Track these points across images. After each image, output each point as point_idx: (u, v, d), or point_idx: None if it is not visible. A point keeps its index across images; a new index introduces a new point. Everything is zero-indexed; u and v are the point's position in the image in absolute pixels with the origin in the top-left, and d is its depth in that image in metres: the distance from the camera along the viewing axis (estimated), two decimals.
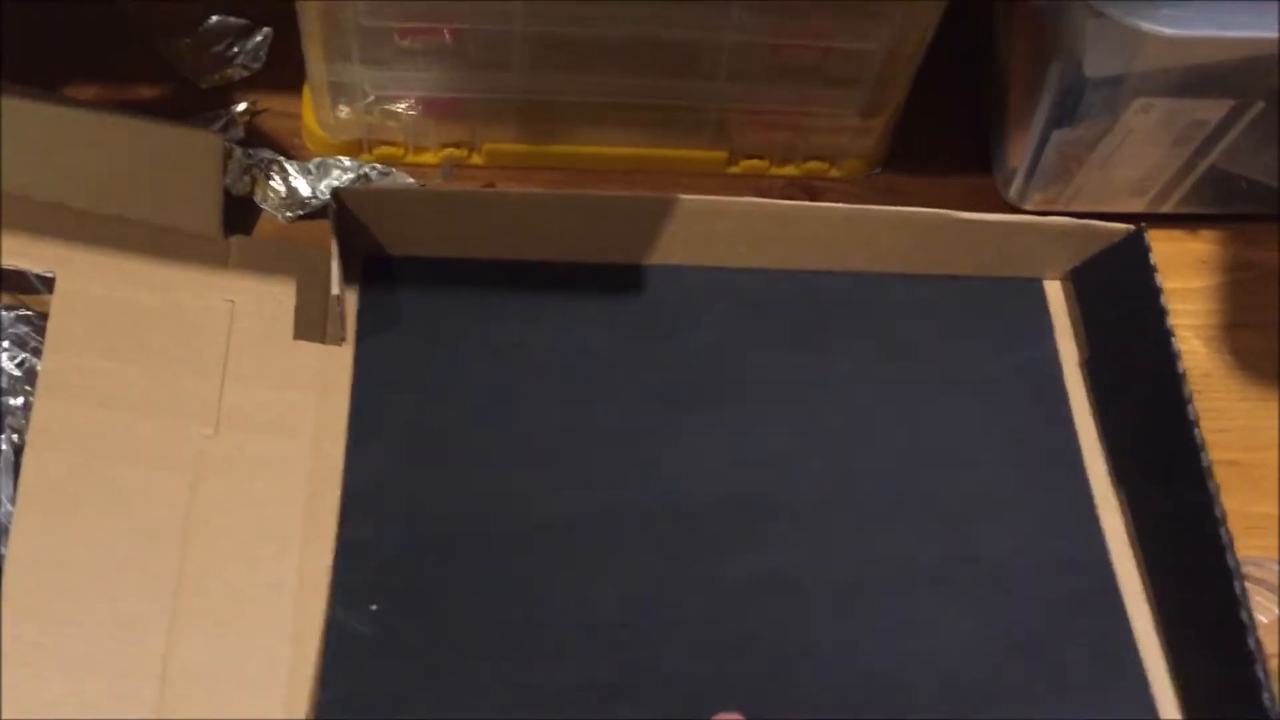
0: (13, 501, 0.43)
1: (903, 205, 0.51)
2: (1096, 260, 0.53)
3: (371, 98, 0.52)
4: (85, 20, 0.57)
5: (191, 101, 0.55)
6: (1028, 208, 0.56)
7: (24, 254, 0.46)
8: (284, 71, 0.56)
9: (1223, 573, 0.45)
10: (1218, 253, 0.58)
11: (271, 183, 0.53)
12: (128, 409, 0.45)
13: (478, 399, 0.49)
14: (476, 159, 0.56)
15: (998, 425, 0.51)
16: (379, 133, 0.54)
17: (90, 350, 0.45)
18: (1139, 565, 0.49)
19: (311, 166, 0.53)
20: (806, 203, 0.51)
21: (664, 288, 0.52)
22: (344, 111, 0.53)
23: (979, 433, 0.51)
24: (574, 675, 0.44)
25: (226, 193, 0.51)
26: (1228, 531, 0.45)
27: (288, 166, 0.53)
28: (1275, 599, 0.48)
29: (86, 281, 0.46)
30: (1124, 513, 0.50)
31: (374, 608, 0.44)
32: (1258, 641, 0.43)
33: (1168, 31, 0.45)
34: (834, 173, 0.58)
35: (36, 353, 0.46)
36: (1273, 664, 0.44)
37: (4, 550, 0.42)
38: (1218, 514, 0.45)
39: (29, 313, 0.47)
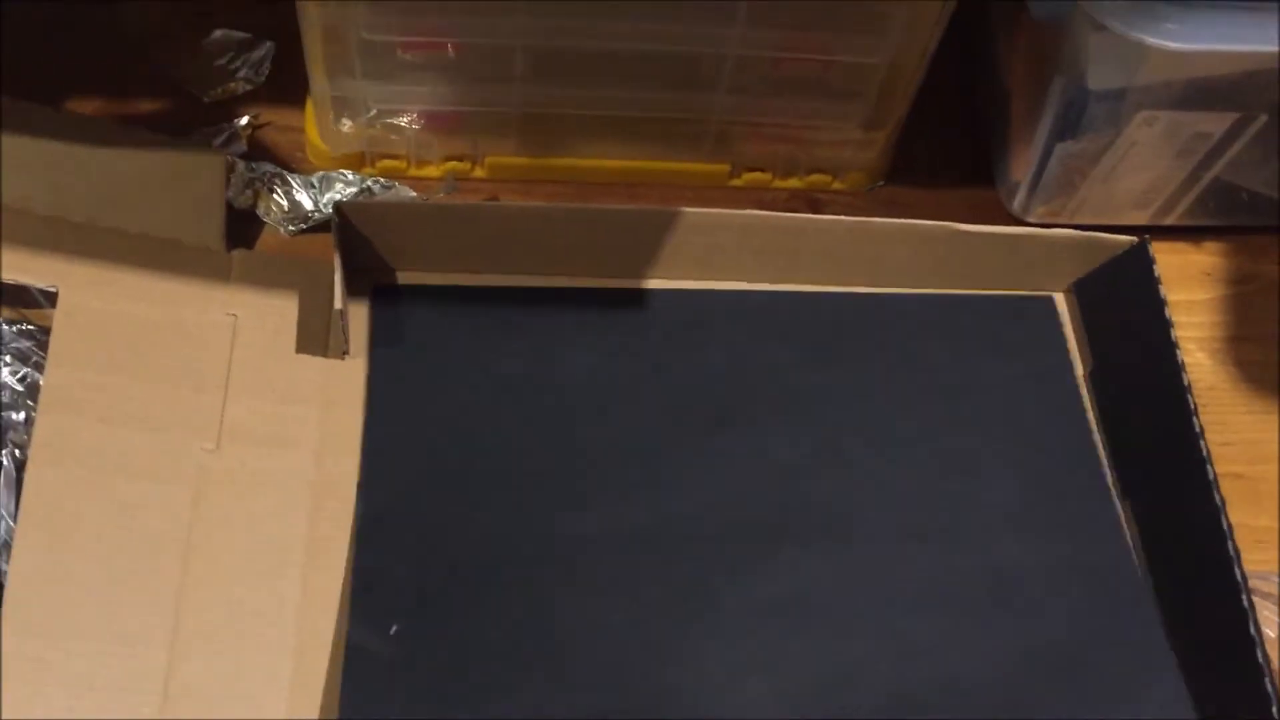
0: (14, 517, 0.42)
1: (905, 218, 0.51)
2: (1100, 272, 0.53)
3: (374, 111, 0.52)
4: (87, 34, 0.57)
5: (194, 115, 0.55)
6: (1031, 220, 0.56)
7: (26, 268, 0.46)
8: (286, 85, 0.56)
9: (1230, 586, 0.44)
10: (1221, 265, 0.57)
11: (274, 196, 0.53)
12: (130, 423, 0.45)
13: (490, 421, 0.49)
14: (479, 172, 0.56)
15: (1009, 439, 0.51)
16: (381, 146, 0.54)
17: (92, 365, 0.45)
18: (1147, 578, 0.49)
19: (314, 180, 0.53)
20: (810, 215, 0.51)
21: (672, 309, 0.52)
22: (346, 125, 0.53)
23: (990, 447, 0.51)
24: (590, 698, 0.44)
25: (229, 206, 0.51)
26: (1235, 545, 0.45)
27: (290, 180, 0.53)
28: (1278, 612, 0.48)
29: (89, 296, 0.46)
30: (1131, 525, 0.50)
31: (393, 630, 0.44)
32: (1266, 656, 0.43)
33: (1171, 45, 0.45)
34: (836, 185, 0.58)
35: (39, 367, 0.46)
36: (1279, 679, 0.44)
37: (5, 566, 0.42)
38: (1225, 527, 0.45)
39: (31, 327, 0.47)
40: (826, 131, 0.54)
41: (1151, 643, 0.47)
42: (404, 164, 0.55)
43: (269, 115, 0.56)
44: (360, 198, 0.53)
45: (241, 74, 0.57)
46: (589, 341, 0.51)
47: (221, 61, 0.57)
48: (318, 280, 0.49)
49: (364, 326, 0.50)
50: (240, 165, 0.53)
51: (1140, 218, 0.56)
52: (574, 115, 0.53)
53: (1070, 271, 0.54)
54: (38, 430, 0.44)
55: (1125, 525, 0.50)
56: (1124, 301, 0.52)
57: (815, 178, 0.57)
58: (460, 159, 0.55)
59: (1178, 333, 0.49)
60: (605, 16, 0.48)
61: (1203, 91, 0.48)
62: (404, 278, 0.52)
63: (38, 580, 0.42)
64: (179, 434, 0.45)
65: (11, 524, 0.43)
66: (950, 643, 0.46)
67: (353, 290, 0.49)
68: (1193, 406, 0.47)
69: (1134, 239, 0.51)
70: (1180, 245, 0.58)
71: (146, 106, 0.56)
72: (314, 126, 0.54)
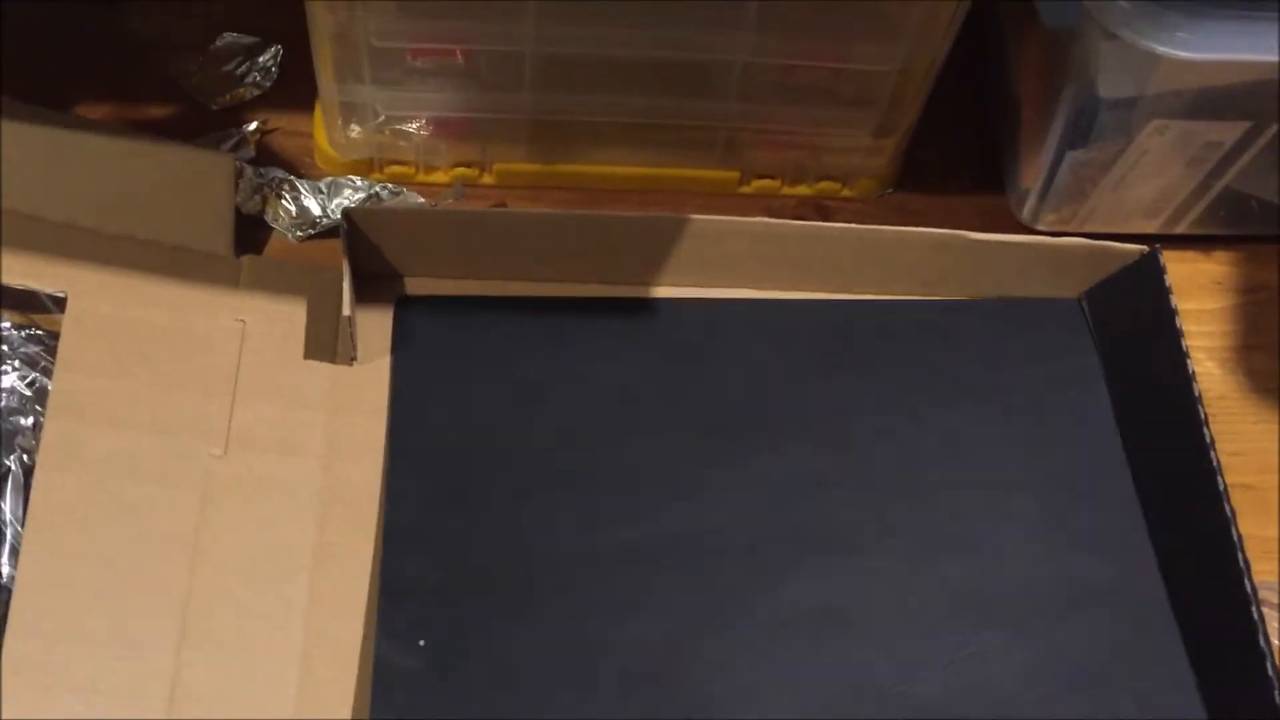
0: (23, 521, 0.43)
1: (914, 225, 0.51)
2: (1111, 281, 0.53)
3: (383, 118, 0.52)
4: (95, 41, 0.57)
5: (202, 120, 0.55)
6: (1040, 228, 0.56)
7: (35, 274, 0.46)
8: (295, 90, 0.56)
9: (1241, 597, 0.44)
10: (1231, 274, 0.57)
11: (283, 202, 0.53)
12: (138, 429, 0.45)
13: (515, 431, 0.49)
14: (487, 179, 0.56)
15: (1029, 448, 0.51)
16: (390, 152, 0.54)
17: (101, 370, 0.45)
18: (1163, 588, 0.49)
19: (322, 186, 0.53)
20: (820, 223, 0.51)
21: (695, 316, 0.52)
22: (355, 131, 0.53)
23: (1016, 456, 0.50)
24: (620, 710, 0.44)
25: (237, 212, 0.51)
26: (1245, 557, 0.45)
27: (299, 186, 0.53)
28: None
29: (97, 301, 0.46)
30: (1147, 535, 0.50)
31: (421, 643, 0.44)
32: (1277, 668, 0.43)
33: (1183, 55, 0.44)
34: (846, 193, 0.58)
35: (47, 372, 0.46)
36: None
37: (14, 570, 0.42)
38: (1235, 539, 0.45)
39: (40, 332, 0.47)
40: (836, 138, 0.54)
41: (1171, 661, 0.47)
42: (412, 170, 0.55)
43: (277, 121, 0.56)
44: (369, 203, 0.53)
45: (250, 79, 0.57)
46: (610, 350, 0.51)
47: (230, 67, 0.57)
48: (326, 286, 0.49)
49: (376, 333, 0.50)
50: (249, 171, 0.53)
51: (1150, 226, 0.56)
52: (583, 121, 0.53)
53: (1081, 280, 0.54)
54: (46, 435, 0.44)
55: (1140, 535, 0.50)
56: (1135, 311, 0.52)
57: (825, 185, 0.57)
58: (469, 165, 0.55)
59: (1187, 342, 0.49)
60: (615, 23, 0.48)
61: (1214, 100, 0.48)
62: (412, 284, 0.51)
63: (45, 584, 0.42)
64: (187, 439, 0.45)
65: (20, 528, 0.43)
66: (974, 655, 0.46)
67: (361, 296, 0.49)
68: (1203, 416, 0.47)
69: (1145, 248, 0.51)
70: (1190, 254, 0.57)
71: (155, 112, 0.56)
72: (322, 132, 0.54)
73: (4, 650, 0.40)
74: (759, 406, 0.50)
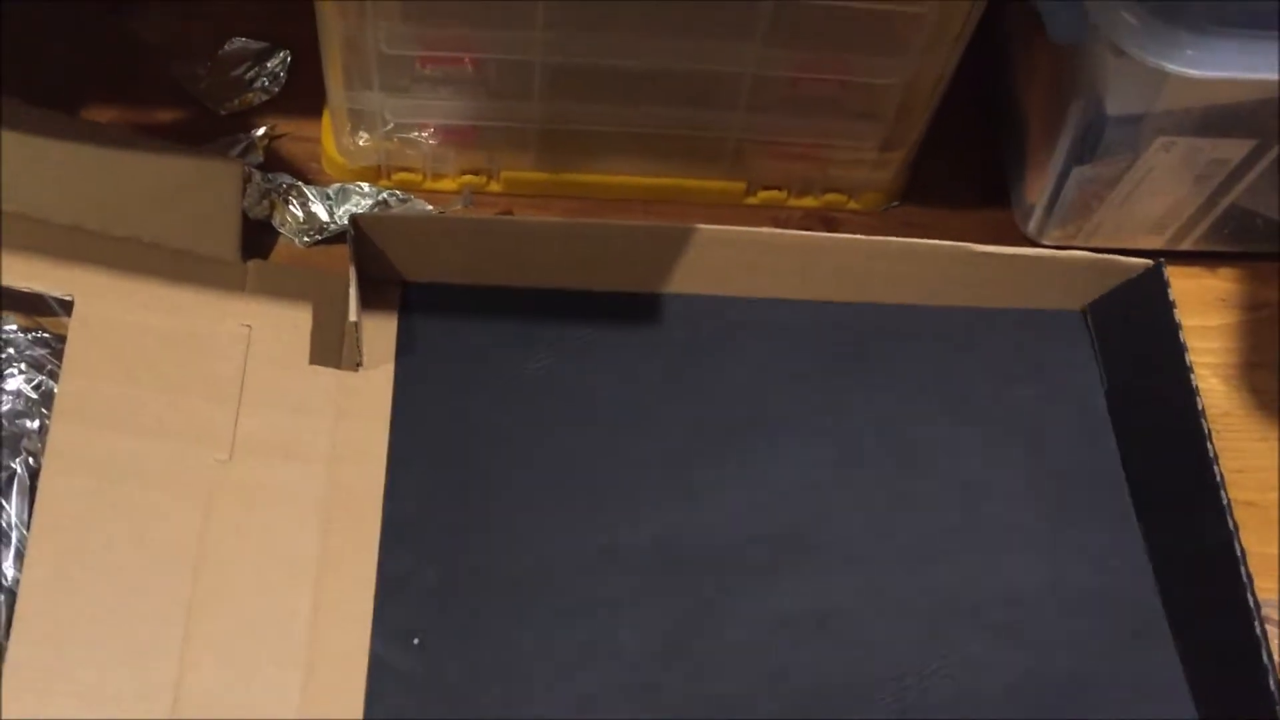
0: (28, 525, 0.42)
1: (920, 238, 0.51)
2: (1115, 295, 0.53)
3: (391, 125, 0.52)
4: (103, 44, 0.57)
5: (210, 125, 0.56)
6: (1046, 243, 0.56)
7: (42, 277, 0.46)
8: (303, 95, 0.56)
9: (1243, 612, 0.44)
10: (1236, 290, 0.57)
11: (290, 208, 0.53)
12: (143, 433, 0.45)
13: (516, 429, 0.49)
14: (495, 186, 0.56)
15: (1028, 458, 0.51)
16: (398, 159, 0.54)
17: (107, 374, 0.45)
18: (1160, 602, 0.49)
19: (330, 192, 0.53)
20: (827, 234, 0.51)
21: (696, 315, 0.52)
22: (363, 138, 0.53)
23: (1014, 465, 0.51)
24: (614, 710, 0.44)
25: (244, 217, 0.51)
26: (1248, 571, 0.45)
27: (307, 192, 0.53)
28: None
29: (104, 305, 0.46)
30: (1144, 549, 0.50)
31: (416, 641, 0.44)
32: (1278, 683, 0.43)
33: (1191, 73, 0.45)
34: (852, 205, 0.58)
35: (53, 375, 0.46)
36: None
37: (19, 573, 0.42)
38: (1238, 552, 0.45)
39: (46, 335, 0.47)
40: (843, 151, 0.55)
41: (1166, 674, 0.47)
42: (420, 177, 0.55)
43: (285, 126, 0.56)
44: (376, 210, 0.53)
45: (258, 84, 0.57)
46: (612, 349, 0.51)
47: (238, 72, 0.57)
48: (332, 292, 0.49)
49: (381, 339, 0.50)
50: (256, 176, 0.53)
51: (1155, 242, 0.56)
52: (591, 131, 0.53)
53: (1085, 294, 0.54)
54: (51, 439, 0.44)
55: (1140, 548, 0.50)
56: (1138, 325, 0.52)
57: (831, 197, 0.57)
58: (476, 173, 0.55)
59: (1191, 358, 0.49)
60: (624, 34, 0.48)
61: (1221, 118, 0.48)
62: (418, 290, 0.51)
63: (50, 587, 0.42)
64: (192, 444, 0.45)
65: (25, 531, 0.43)
66: (964, 663, 0.46)
67: (367, 302, 0.49)
68: (1207, 431, 0.47)
69: (1149, 262, 0.51)
70: (1195, 270, 0.58)
71: (163, 116, 0.56)
72: (330, 138, 0.54)
73: (7, 654, 0.40)
74: (759, 408, 0.51)
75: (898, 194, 0.58)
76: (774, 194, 0.57)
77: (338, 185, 0.53)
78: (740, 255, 0.51)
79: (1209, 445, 0.47)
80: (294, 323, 0.49)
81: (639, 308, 0.52)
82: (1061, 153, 0.51)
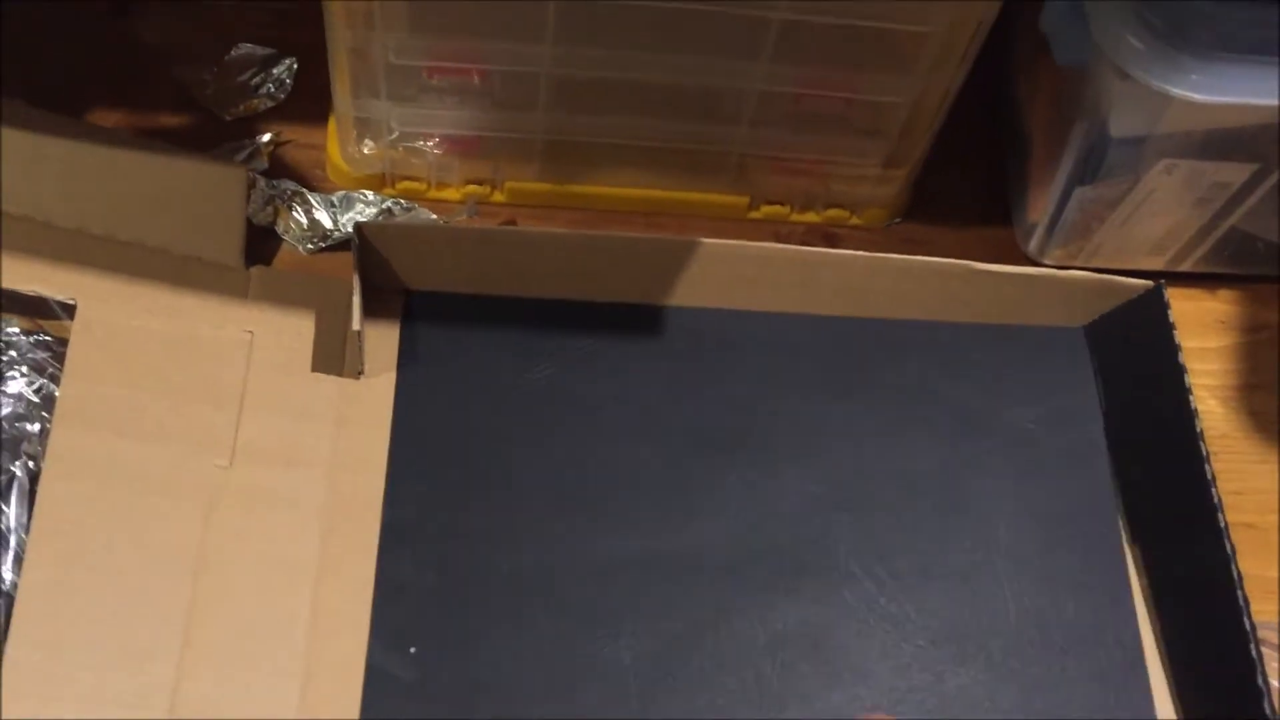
0: (27, 529, 0.42)
1: (922, 256, 0.51)
2: (1114, 315, 0.53)
3: (397, 133, 0.52)
4: (109, 48, 0.57)
5: (215, 131, 0.56)
6: (1047, 263, 0.56)
7: (45, 279, 0.46)
8: (308, 102, 0.56)
9: (1239, 635, 0.44)
10: (1236, 313, 0.58)
11: (294, 214, 0.53)
12: (144, 438, 0.45)
13: (515, 440, 0.49)
14: (499, 196, 0.56)
15: (1021, 480, 0.51)
16: (402, 168, 0.54)
17: (108, 378, 0.45)
18: (1154, 624, 0.49)
19: (334, 199, 0.53)
20: (829, 249, 0.51)
21: (698, 328, 0.52)
22: (368, 146, 0.53)
23: (1010, 486, 0.51)
24: None
25: (248, 223, 0.51)
26: (1244, 594, 0.45)
27: (311, 199, 0.53)
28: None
29: (107, 309, 0.46)
30: (1139, 571, 0.50)
31: (413, 650, 0.44)
32: (1274, 708, 0.43)
33: (1195, 97, 0.45)
34: (854, 221, 0.58)
35: (54, 379, 0.46)
36: None
37: (18, 577, 0.42)
38: (1235, 574, 0.45)
39: (48, 338, 0.47)
40: (846, 167, 0.55)
41: (1160, 698, 0.47)
42: (424, 186, 0.55)
43: (290, 133, 0.56)
44: (380, 218, 0.53)
45: (264, 91, 0.57)
46: (613, 360, 0.51)
47: (244, 78, 0.57)
48: (335, 299, 0.49)
49: (384, 347, 0.50)
50: (261, 182, 0.53)
51: (1156, 264, 0.56)
52: (595, 143, 0.53)
53: (1085, 313, 0.54)
54: (52, 442, 0.44)
55: (1135, 577, 0.50)
56: (1138, 346, 0.52)
57: (833, 213, 0.57)
58: (480, 183, 0.55)
59: (1191, 379, 0.49)
60: (630, 48, 0.48)
61: (1223, 141, 0.48)
62: (421, 299, 0.52)
63: (48, 591, 0.42)
64: (193, 449, 0.45)
65: (24, 535, 0.43)
66: (954, 689, 0.46)
67: (369, 310, 0.49)
68: (1205, 453, 0.47)
69: (1150, 283, 0.51)
70: (1195, 292, 0.58)
71: (168, 121, 0.56)
72: (335, 146, 0.54)
73: (5, 657, 0.40)
74: (759, 422, 0.51)
75: (900, 211, 0.58)
76: (776, 209, 0.57)
77: (342, 193, 0.54)
78: (742, 269, 0.51)
79: (1207, 467, 0.47)
80: (296, 329, 0.49)
81: (641, 319, 0.52)
82: (1064, 173, 0.52)
